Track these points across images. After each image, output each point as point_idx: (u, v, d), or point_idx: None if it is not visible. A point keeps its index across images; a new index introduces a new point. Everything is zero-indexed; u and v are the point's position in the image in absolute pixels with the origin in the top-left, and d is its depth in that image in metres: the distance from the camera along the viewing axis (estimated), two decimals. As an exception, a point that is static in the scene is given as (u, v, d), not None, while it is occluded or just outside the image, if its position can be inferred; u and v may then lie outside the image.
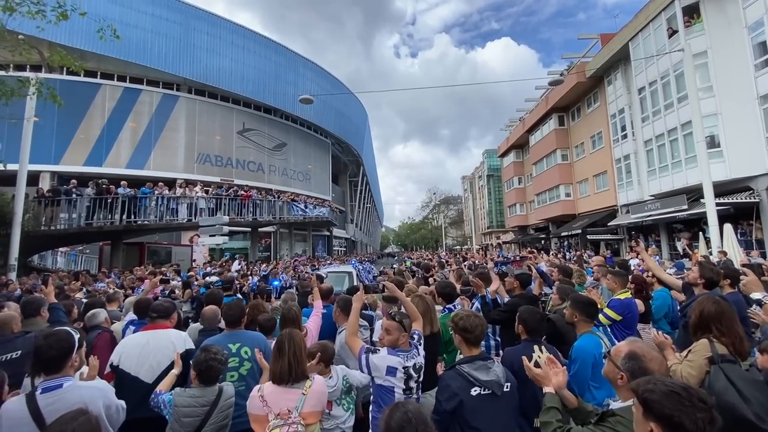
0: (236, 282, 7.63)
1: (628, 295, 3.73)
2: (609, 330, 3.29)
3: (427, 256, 25.03)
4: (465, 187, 76.76)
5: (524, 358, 2.04)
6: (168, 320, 3.06)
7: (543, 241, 31.09)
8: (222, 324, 3.33)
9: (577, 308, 2.77)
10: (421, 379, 2.45)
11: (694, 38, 15.18)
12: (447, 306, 3.60)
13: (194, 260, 14.55)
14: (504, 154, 39.32)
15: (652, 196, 18.32)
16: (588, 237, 22.92)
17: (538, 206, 30.87)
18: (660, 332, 2.62)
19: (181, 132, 23.43)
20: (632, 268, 8.42)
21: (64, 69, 18.19)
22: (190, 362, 2.41)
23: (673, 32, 16.42)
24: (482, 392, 2.10)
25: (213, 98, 24.98)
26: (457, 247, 64.17)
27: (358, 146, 39.34)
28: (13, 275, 10.25)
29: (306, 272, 12.94)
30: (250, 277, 10.27)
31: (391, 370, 2.29)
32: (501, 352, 3.23)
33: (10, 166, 9.78)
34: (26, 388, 2.11)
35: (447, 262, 11.92)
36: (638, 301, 3.97)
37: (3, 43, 4.58)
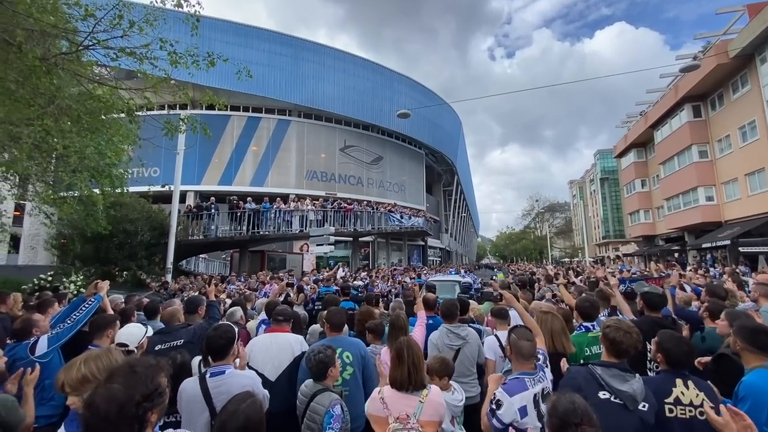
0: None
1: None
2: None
3: (530, 268, 23.28)
4: (573, 192, 70.14)
5: (707, 408, 1.77)
6: (289, 324, 3.39)
7: (677, 254, 26.39)
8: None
9: (743, 336, 2.25)
10: None
11: None
12: (584, 324, 3.22)
13: (290, 271, 15.31)
14: (622, 154, 34.71)
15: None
16: (740, 249, 18.72)
17: (669, 213, 26.36)
18: None
19: (293, 152, 26.25)
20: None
21: (203, 105, 22.08)
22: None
23: None
24: (612, 399, 1.90)
25: (318, 120, 27.48)
26: (566, 259, 58.43)
27: (452, 155, 38.93)
28: (169, 276, 12.61)
29: (405, 282, 13.14)
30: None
31: (522, 411, 2.04)
32: None
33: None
34: (194, 367, 2.56)
35: (556, 275, 10.85)
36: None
37: (167, 89, 5.73)
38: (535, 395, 2.11)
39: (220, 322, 2.34)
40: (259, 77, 23.92)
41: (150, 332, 2.68)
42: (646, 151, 31.67)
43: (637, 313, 3.85)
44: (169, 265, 12.99)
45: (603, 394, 1.92)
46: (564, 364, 2.48)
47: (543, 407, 2.12)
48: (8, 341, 2.81)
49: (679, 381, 2.07)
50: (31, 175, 7.43)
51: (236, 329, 2.27)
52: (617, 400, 1.90)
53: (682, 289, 5.51)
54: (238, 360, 2.38)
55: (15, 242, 18.96)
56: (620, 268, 18.86)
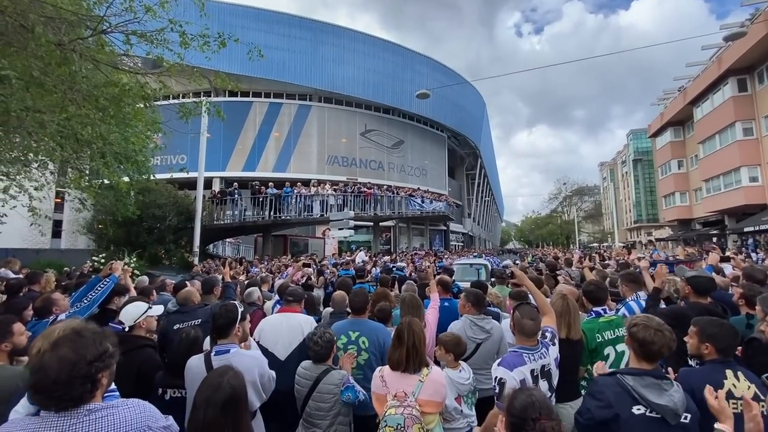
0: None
1: None
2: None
3: (554, 253, 22.62)
4: (604, 175, 67.54)
5: (708, 387, 1.60)
6: (299, 305, 3.37)
7: (716, 238, 24.99)
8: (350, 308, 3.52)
9: None
10: (554, 386, 2.16)
11: None
12: (594, 309, 3.06)
13: (313, 254, 15.67)
14: (657, 134, 32.87)
15: None
16: (788, 233, 17.52)
17: (708, 195, 24.91)
18: None
19: (314, 137, 26.33)
20: None
21: (226, 92, 22.30)
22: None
23: None
24: (648, 414, 1.68)
25: (339, 104, 27.33)
26: (594, 244, 56.60)
27: (476, 137, 37.97)
28: (196, 259, 13.05)
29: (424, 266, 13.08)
30: (374, 268, 10.88)
31: (522, 384, 1.97)
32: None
33: (192, 174, 12.41)
34: (206, 346, 2.58)
35: (580, 259, 10.45)
36: None
37: (183, 74, 5.75)
38: (533, 370, 2.06)
39: (228, 301, 2.35)
40: (279, 62, 23.91)
41: (154, 311, 2.67)
42: (684, 129, 29.82)
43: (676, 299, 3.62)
44: (196, 248, 13.43)
45: (638, 410, 1.69)
46: (600, 368, 2.25)
47: (543, 384, 2.08)
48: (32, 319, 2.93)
49: (729, 372, 1.91)
50: (69, 161, 7.69)
51: (240, 309, 2.26)
52: (655, 415, 1.68)
53: (719, 273, 5.15)
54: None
55: (57, 227, 20.08)
56: (652, 252, 18.06)
